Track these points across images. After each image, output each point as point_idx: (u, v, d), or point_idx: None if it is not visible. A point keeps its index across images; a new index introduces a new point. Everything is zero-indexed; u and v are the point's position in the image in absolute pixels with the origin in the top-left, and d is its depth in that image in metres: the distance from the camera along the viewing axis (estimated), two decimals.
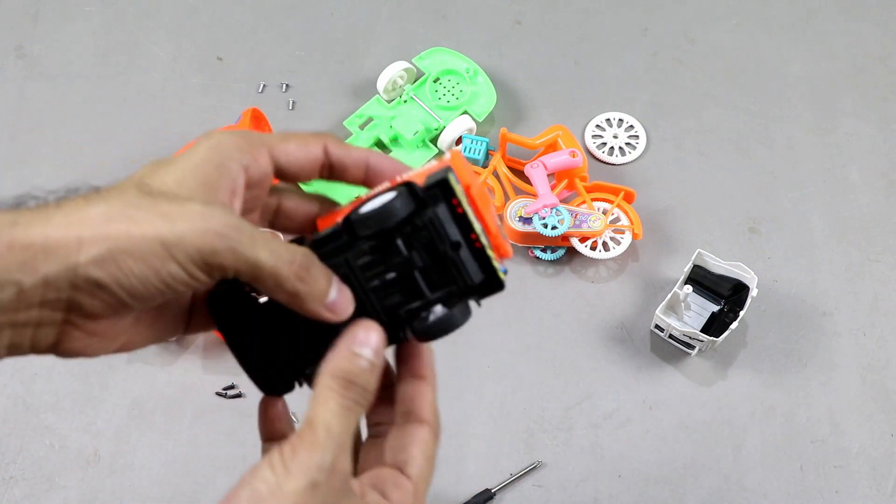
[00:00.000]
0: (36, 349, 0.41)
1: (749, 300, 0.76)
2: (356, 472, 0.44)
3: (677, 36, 0.96)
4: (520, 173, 0.86)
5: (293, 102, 0.92)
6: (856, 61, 0.94)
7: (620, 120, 0.91)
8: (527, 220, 0.81)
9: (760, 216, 0.86)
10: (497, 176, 0.85)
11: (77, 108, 0.92)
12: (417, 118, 0.87)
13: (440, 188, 0.44)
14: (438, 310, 0.43)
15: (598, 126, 0.90)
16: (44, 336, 0.41)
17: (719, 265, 0.79)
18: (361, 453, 0.45)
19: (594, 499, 0.74)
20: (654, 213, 0.85)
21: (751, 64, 0.94)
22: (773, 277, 0.83)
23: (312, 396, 0.41)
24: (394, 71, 0.88)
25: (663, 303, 0.77)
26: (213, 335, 0.79)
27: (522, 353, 0.80)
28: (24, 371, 0.79)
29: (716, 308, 0.80)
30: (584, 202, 0.83)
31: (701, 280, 0.80)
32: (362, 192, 0.48)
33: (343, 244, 0.44)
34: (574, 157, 0.83)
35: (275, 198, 0.50)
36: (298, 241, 0.46)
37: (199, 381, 0.79)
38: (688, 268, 0.78)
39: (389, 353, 0.45)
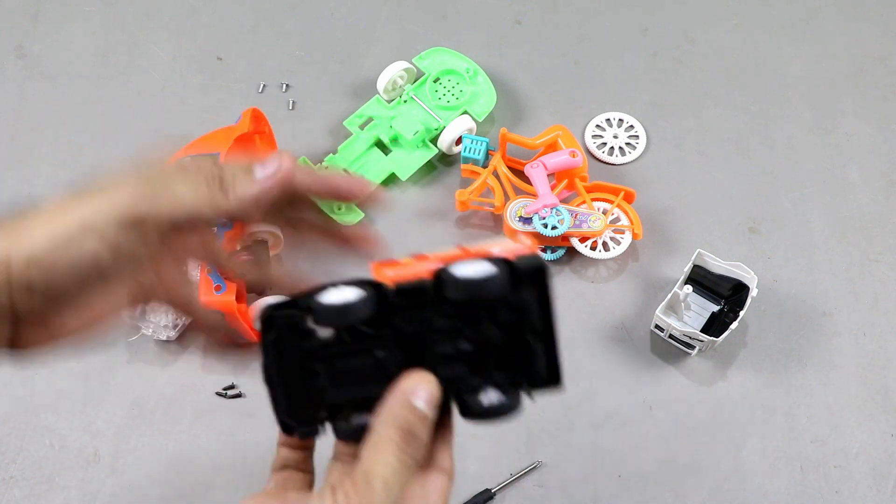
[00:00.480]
0: None
1: (749, 300, 0.76)
2: None
3: (677, 36, 0.96)
4: (520, 173, 0.86)
5: (293, 102, 0.92)
6: (856, 61, 0.94)
7: (620, 120, 0.91)
8: (527, 220, 0.81)
9: (760, 216, 0.86)
10: (497, 176, 0.85)
11: (77, 108, 0.92)
12: (417, 118, 0.87)
13: (537, 275, 0.43)
14: (493, 395, 0.42)
15: (598, 126, 0.90)
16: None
17: (719, 265, 0.79)
18: None
19: (594, 499, 0.74)
20: (654, 213, 0.85)
21: (751, 64, 0.94)
22: (773, 277, 0.83)
23: (371, 444, 0.41)
24: (394, 71, 0.88)
25: (663, 303, 0.77)
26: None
27: None
28: (24, 371, 0.79)
29: (716, 308, 0.80)
30: (584, 202, 0.83)
31: (701, 280, 0.80)
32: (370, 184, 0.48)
33: (426, 301, 0.43)
34: (574, 157, 0.83)
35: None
36: (372, 286, 0.44)
37: (199, 381, 0.79)
38: (688, 268, 0.78)
39: None
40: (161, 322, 0.77)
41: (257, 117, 0.84)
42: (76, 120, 0.91)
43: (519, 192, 0.84)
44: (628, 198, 0.83)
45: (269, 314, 0.44)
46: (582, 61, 0.95)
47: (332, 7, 0.98)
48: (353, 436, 0.43)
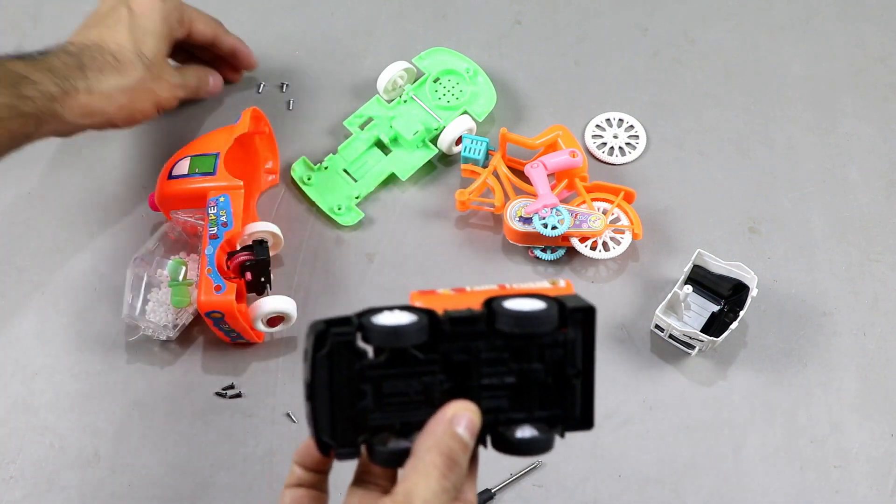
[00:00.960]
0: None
1: (749, 300, 0.76)
2: None
3: (677, 36, 0.96)
4: (520, 173, 0.86)
5: (292, 102, 0.92)
6: (856, 61, 0.94)
7: (620, 120, 0.91)
8: (527, 220, 0.81)
9: (760, 216, 0.86)
10: (497, 176, 0.85)
11: None
12: (417, 118, 0.87)
13: (584, 315, 0.44)
14: (528, 430, 0.44)
15: (598, 126, 0.90)
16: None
17: (719, 265, 0.79)
18: None
19: (594, 499, 0.74)
20: (654, 213, 0.85)
21: (751, 64, 0.94)
22: (773, 277, 0.83)
23: (413, 467, 0.41)
24: (394, 71, 0.88)
25: (663, 303, 0.77)
26: (214, 335, 0.79)
27: None
28: (24, 371, 0.79)
29: (716, 308, 0.80)
30: (584, 202, 0.83)
31: (701, 280, 0.80)
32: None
33: (476, 332, 0.44)
34: (574, 157, 0.83)
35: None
36: (425, 313, 0.44)
37: (199, 381, 0.79)
38: (688, 268, 0.78)
39: None
40: (161, 322, 0.77)
41: (257, 117, 0.84)
42: None
43: (519, 192, 0.84)
44: (628, 198, 0.83)
45: (323, 329, 0.44)
46: (582, 61, 0.95)
47: (332, 7, 0.98)
48: (389, 460, 0.43)
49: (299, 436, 0.68)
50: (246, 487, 0.75)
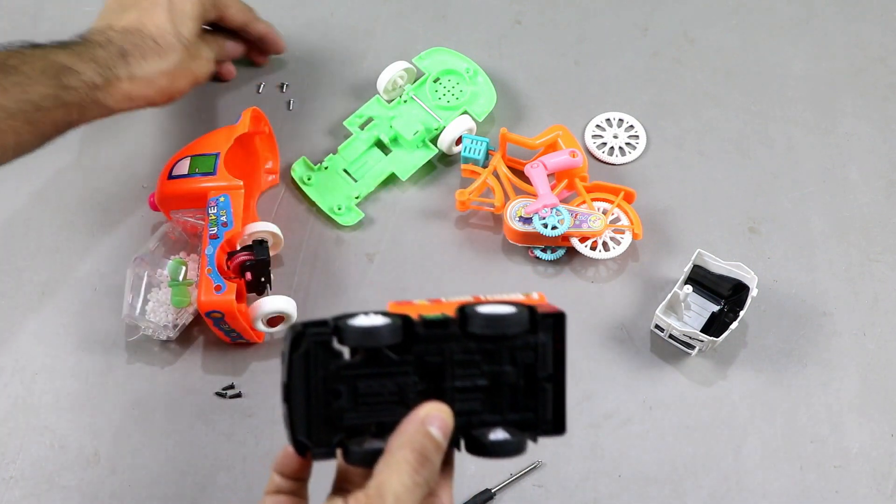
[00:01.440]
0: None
1: (749, 300, 0.76)
2: None
3: (677, 36, 0.96)
4: (520, 173, 0.86)
5: (292, 102, 0.92)
6: (856, 61, 0.94)
7: (620, 120, 0.91)
8: (527, 220, 0.81)
9: (760, 216, 0.86)
10: (497, 176, 0.85)
11: None
12: (417, 118, 0.87)
13: (554, 321, 0.45)
14: (500, 433, 0.44)
15: (598, 126, 0.90)
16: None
17: (719, 265, 0.79)
18: None
19: (594, 499, 0.74)
20: (654, 213, 0.85)
21: (751, 64, 0.94)
22: (773, 277, 0.83)
23: (385, 462, 0.42)
24: (394, 71, 0.88)
25: (663, 303, 0.77)
26: (214, 335, 0.79)
27: None
28: (24, 371, 0.79)
29: (716, 308, 0.80)
30: (584, 202, 0.83)
31: (701, 280, 0.80)
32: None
33: (449, 334, 0.45)
34: (574, 157, 0.83)
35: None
36: (399, 317, 0.45)
37: (199, 381, 0.79)
38: (688, 268, 0.78)
39: None
40: (161, 322, 0.77)
41: (257, 117, 0.84)
42: None
43: (519, 192, 0.84)
44: (628, 198, 0.83)
45: (299, 330, 0.45)
46: (582, 61, 0.95)
47: (332, 7, 0.98)
48: (364, 460, 0.44)
49: None
50: (246, 487, 0.75)
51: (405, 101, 0.89)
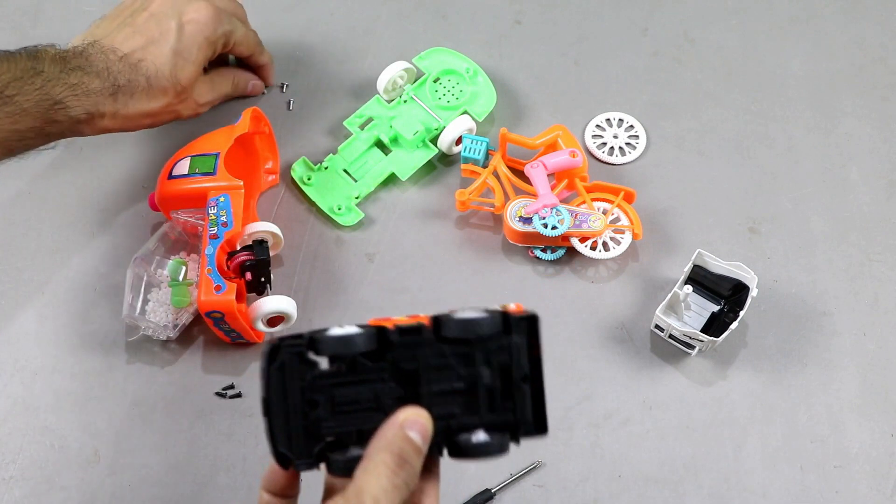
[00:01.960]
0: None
1: (749, 300, 0.76)
2: None
3: (677, 36, 0.96)
4: (520, 173, 0.86)
5: (292, 102, 0.92)
6: (856, 61, 0.94)
7: (620, 120, 0.91)
8: (527, 220, 0.81)
9: (760, 216, 0.86)
10: (497, 176, 0.85)
11: None
12: (417, 118, 0.87)
13: (528, 323, 0.46)
14: (481, 435, 0.45)
15: (598, 126, 0.90)
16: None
17: (719, 265, 0.79)
18: None
19: (594, 499, 0.74)
20: (654, 213, 0.85)
21: (751, 64, 0.94)
22: (773, 277, 0.83)
23: (364, 466, 0.42)
24: (394, 71, 0.88)
25: (663, 303, 0.77)
26: (214, 335, 0.79)
27: None
28: (24, 371, 0.79)
29: (716, 308, 0.80)
30: (584, 202, 0.83)
31: (701, 280, 0.80)
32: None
33: (423, 340, 0.46)
34: (574, 157, 0.83)
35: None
36: (374, 328, 0.46)
37: (199, 381, 0.79)
38: (688, 268, 0.78)
39: None
40: (161, 322, 0.77)
41: (257, 117, 0.84)
42: None
43: (519, 192, 0.84)
44: (628, 198, 0.83)
45: (275, 344, 0.45)
46: (582, 61, 0.95)
47: (332, 7, 0.98)
48: (345, 469, 0.45)
49: None
50: (246, 487, 0.75)
51: (405, 101, 0.89)
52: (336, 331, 0.45)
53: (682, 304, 0.77)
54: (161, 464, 0.76)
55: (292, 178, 0.87)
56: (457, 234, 0.85)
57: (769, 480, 0.75)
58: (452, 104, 0.89)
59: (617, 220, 0.83)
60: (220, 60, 0.87)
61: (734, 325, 0.75)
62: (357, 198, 0.86)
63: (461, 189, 0.83)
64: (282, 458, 0.45)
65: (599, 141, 0.90)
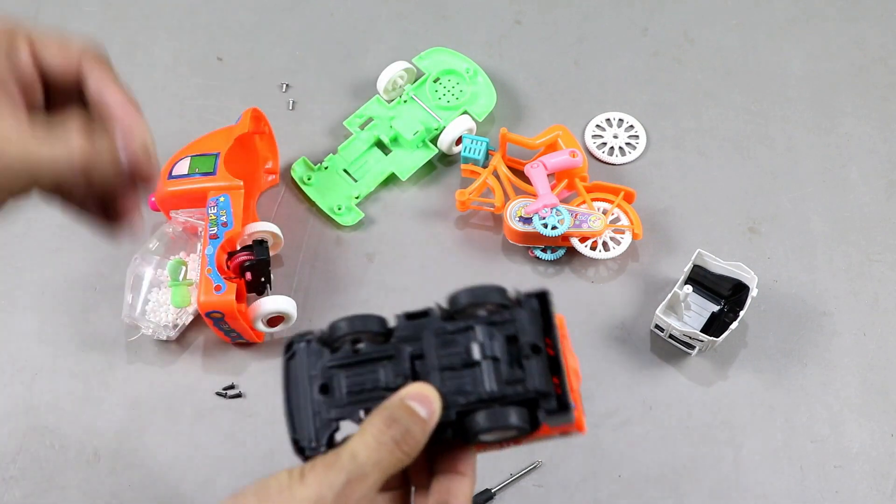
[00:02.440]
0: None
1: (749, 300, 0.76)
2: None
3: (677, 36, 0.96)
4: (520, 173, 0.86)
5: (293, 102, 0.92)
6: (856, 61, 0.94)
7: (620, 120, 0.91)
8: (527, 220, 0.81)
9: (760, 216, 0.86)
10: (497, 176, 0.85)
11: None
12: (417, 118, 0.87)
13: (539, 295, 0.45)
14: (497, 411, 0.43)
15: (598, 126, 0.90)
16: None
17: (719, 265, 0.79)
18: None
19: (594, 499, 0.74)
20: (654, 213, 0.85)
21: (751, 64, 0.94)
22: (773, 277, 0.83)
23: (356, 433, 0.42)
24: (394, 71, 0.88)
25: (663, 303, 0.77)
26: (214, 335, 0.79)
27: None
28: (24, 371, 0.79)
29: (716, 308, 0.80)
30: (584, 202, 0.83)
31: (701, 280, 0.80)
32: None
33: (431, 321, 0.45)
34: (574, 157, 0.83)
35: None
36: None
37: (199, 381, 0.79)
38: (688, 268, 0.78)
39: None
40: (161, 322, 0.77)
41: (257, 117, 0.84)
42: None
43: (519, 192, 0.84)
44: (628, 198, 0.83)
45: (291, 338, 0.47)
46: (582, 61, 0.95)
47: (332, 7, 0.98)
48: None
49: None
50: None
51: (405, 101, 0.89)
52: (345, 317, 0.46)
53: (682, 304, 0.77)
54: (161, 464, 0.76)
55: (292, 178, 0.87)
56: (457, 234, 0.85)
57: (769, 480, 0.75)
58: (452, 104, 0.89)
59: (617, 220, 0.83)
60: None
61: (734, 325, 0.75)
62: (357, 198, 0.86)
63: (461, 189, 0.83)
64: (297, 445, 0.45)
65: (599, 141, 0.90)
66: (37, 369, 0.79)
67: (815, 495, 0.74)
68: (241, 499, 0.41)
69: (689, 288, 0.76)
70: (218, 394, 0.78)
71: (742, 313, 0.76)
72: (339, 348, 0.46)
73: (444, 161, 0.89)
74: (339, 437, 0.45)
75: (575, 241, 0.81)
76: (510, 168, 0.86)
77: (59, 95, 0.46)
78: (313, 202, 0.86)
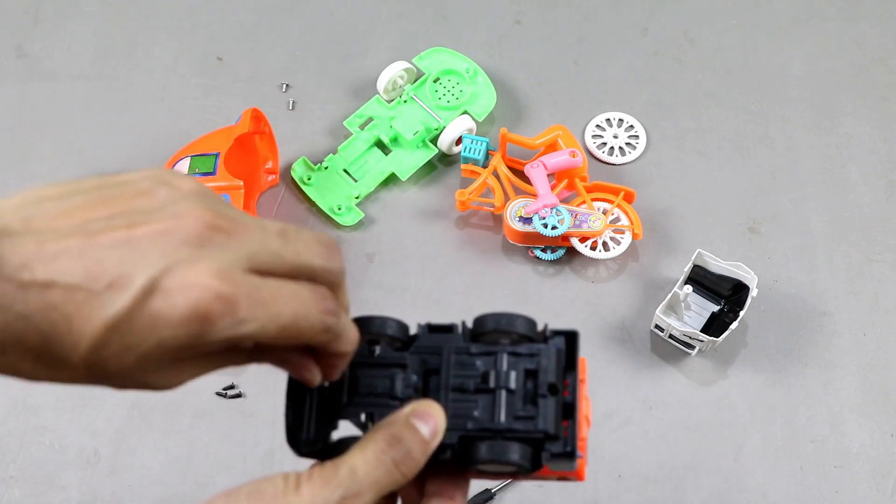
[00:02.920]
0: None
1: (749, 300, 0.76)
2: None
3: (677, 36, 0.96)
4: (520, 173, 0.86)
5: (293, 102, 0.92)
6: (856, 61, 0.94)
7: (620, 120, 0.91)
8: (527, 220, 0.81)
9: (760, 216, 0.86)
10: (497, 176, 0.85)
11: (77, 108, 0.92)
12: (417, 118, 0.87)
13: (566, 337, 0.44)
14: (500, 443, 0.42)
15: (598, 126, 0.90)
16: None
17: (719, 265, 0.79)
18: None
19: (594, 499, 0.74)
20: (654, 213, 0.85)
21: (751, 64, 0.94)
22: (773, 277, 0.83)
23: (355, 445, 0.40)
24: (394, 71, 0.88)
25: (663, 303, 0.77)
26: None
27: None
28: None
29: (716, 308, 0.80)
30: (584, 202, 0.83)
31: (701, 280, 0.80)
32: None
33: (453, 337, 0.44)
34: (574, 157, 0.83)
35: None
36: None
37: (199, 380, 0.79)
38: (688, 268, 0.78)
39: None
40: None
41: (257, 117, 0.84)
42: (76, 120, 0.91)
43: (519, 192, 0.84)
44: (628, 198, 0.83)
45: None
46: (582, 61, 0.95)
47: (332, 7, 0.98)
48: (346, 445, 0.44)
49: None
50: None
51: (405, 101, 0.89)
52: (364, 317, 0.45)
53: (682, 304, 0.77)
54: (161, 464, 0.75)
55: (292, 178, 0.87)
56: (457, 234, 0.85)
57: (769, 480, 0.75)
58: (452, 104, 0.89)
59: (617, 220, 0.83)
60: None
61: (734, 325, 0.75)
62: (357, 198, 0.86)
63: (461, 189, 0.83)
64: (293, 443, 0.45)
65: (599, 141, 0.90)
66: None
67: (815, 495, 0.74)
68: (234, 498, 0.41)
69: (689, 288, 0.76)
70: (218, 394, 0.78)
71: (742, 313, 0.76)
72: None
73: (444, 161, 0.89)
74: (335, 434, 0.44)
75: (575, 241, 0.81)
76: (510, 168, 0.86)
77: None
78: (313, 202, 0.86)
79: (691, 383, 0.79)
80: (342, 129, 0.89)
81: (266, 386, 0.79)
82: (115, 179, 0.37)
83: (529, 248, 0.83)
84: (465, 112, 0.88)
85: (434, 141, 0.87)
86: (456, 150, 0.88)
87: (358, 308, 0.46)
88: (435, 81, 0.90)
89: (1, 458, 0.76)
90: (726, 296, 0.80)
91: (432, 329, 0.45)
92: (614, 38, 0.96)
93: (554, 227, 0.80)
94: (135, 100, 0.92)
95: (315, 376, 0.41)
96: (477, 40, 0.95)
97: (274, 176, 0.88)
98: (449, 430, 0.42)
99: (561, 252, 0.83)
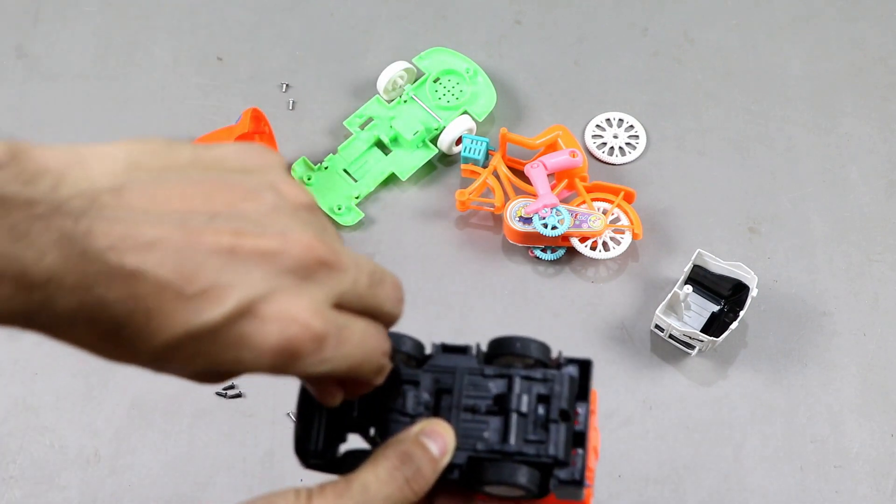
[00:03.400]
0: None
1: (749, 300, 0.76)
2: None
3: (677, 36, 0.96)
4: (520, 173, 0.86)
5: (293, 102, 0.92)
6: (856, 61, 0.94)
7: (620, 120, 0.91)
8: (527, 220, 0.81)
9: (760, 216, 0.86)
10: (497, 176, 0.85)
11: (77, 108, 0.92)
12: (417, 118, 0.87)
13: (580, 365, 0.44)
14: (507, 466, 0.42)
15: (598, 126, 0.90)
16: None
17: (719, 265, 0.79)
18: None
19: (594, 499, 0.74)
20: (654, 213, 0.85)
21: (751, 64, 0.94)
22: (773, 277, 0.83)
23: (366, 462, 0.40)
24: (394, 71, 0.88)
25: (663, 303, 0.77)
26: None
27: None
28: (24, 371, 0.79)
29: (716, 308, 0.80)
30: (584, 202, 0.83)
31: (701, 280, 0.80)
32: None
33: (467, 359, 0.45)
34: (574, 157, 0.83)
35: None
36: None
37: None
38: (688, 268, 0.78)
39: None
40: None
41: (257, 117, 0.84)
42: (76, 120, 0.91)
43: (519, 192, 0.84)
44: (628, 198, 0.83)
45: None
46: (582, 61, 0.95)
47: (332, 7, 0.98)
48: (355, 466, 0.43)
49: None
50: (246, 487, 0.75)
51: (405, 101, 0.89)
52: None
53: (682, 304, 0.77)
54: (161, 464, 0.76)
55: None
56: (457, 234, 0.85)
57: (769, 480, 0.75)
58: (452, 104, 0.89)
59: (617, 220, 0.83)
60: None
61: (734, 325, 0.75)
62: (357, 198, 0.86)
63: (461, 189, 0.83)
64: (301, 454, 0.45)
65: (599, 141, 0.90)
66: (37, 369, 0.79)
67: (815, 495, 0.74)
68: None
69: (689, 288, 0.76)
70: (218, 394, 0.78)
71: (742, 313, 0.76)
72: None
73: (444, 161, 0.89)
74: (342, 448, 0.44)
75: (575, 241, 0.81)
76: (510, 168, 0.86)
77: None
78: None
79: (691, 383, 0.79)
80: (342, 129, 0.89)
81: (266, 386, 0.79)
82: (211, 155, 0.35)
83: (529, 248, 0.83)
84: (465, 112, 0.88)
85: (434, 141, 0.87)
86: (456, 150, 0.88)
87: None
88: (435, 81, 0.90)
89: (1, 458, 0.76)
90: (726, 296, 0.80)
91: (447, 349, 0.45)
92: (614, 38, 0.96)
93: (554, 227, 0.80)
94: (135, 100, 0.92)
95: (338, 400, 0.41)
96: (477, 40, 0.95)
97: None
98: (458, 449, 0.42)
99: (561, 252, 0.83)
